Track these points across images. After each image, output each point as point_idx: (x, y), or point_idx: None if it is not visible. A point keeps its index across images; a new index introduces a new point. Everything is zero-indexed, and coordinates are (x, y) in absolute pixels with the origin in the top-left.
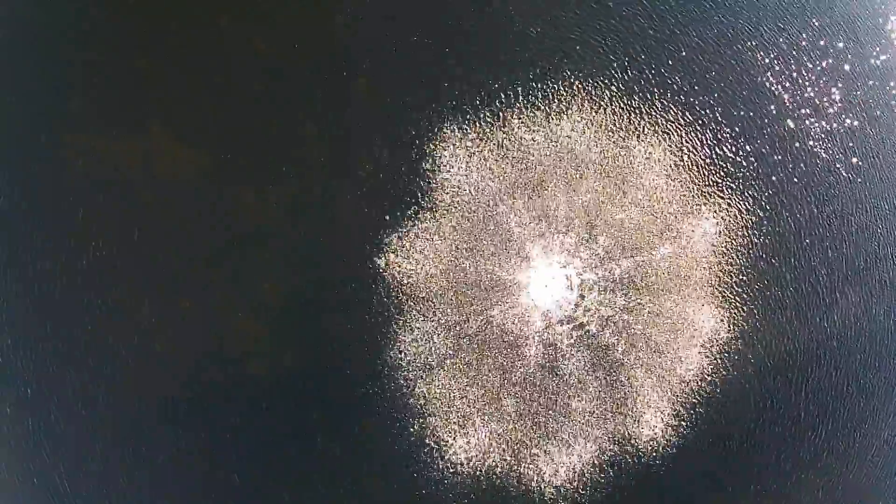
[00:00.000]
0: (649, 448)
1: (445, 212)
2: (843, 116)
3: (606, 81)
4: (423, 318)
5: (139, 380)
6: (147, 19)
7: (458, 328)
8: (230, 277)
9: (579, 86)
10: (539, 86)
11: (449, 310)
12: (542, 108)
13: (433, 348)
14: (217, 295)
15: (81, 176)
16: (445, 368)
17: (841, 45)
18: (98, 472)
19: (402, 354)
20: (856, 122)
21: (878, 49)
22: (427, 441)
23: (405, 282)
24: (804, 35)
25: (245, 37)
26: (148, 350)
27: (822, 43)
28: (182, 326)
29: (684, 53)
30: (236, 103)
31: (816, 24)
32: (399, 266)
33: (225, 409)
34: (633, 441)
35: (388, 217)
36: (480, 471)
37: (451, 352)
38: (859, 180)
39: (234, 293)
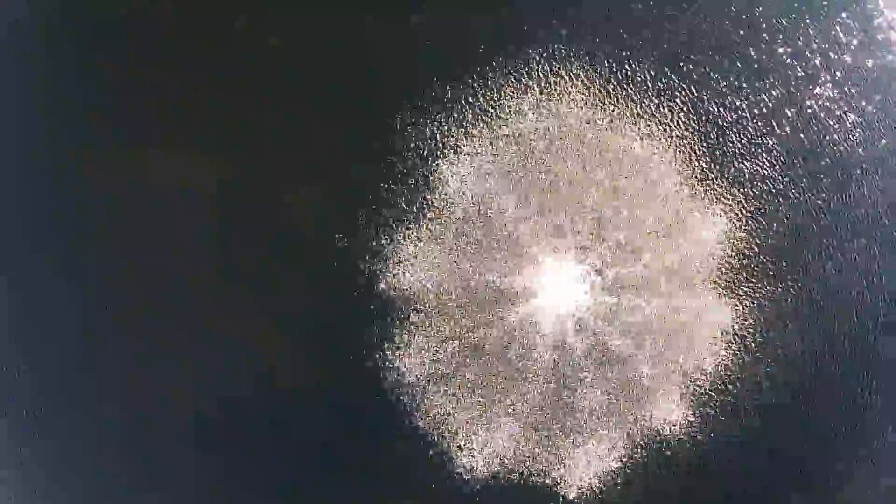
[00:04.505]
0: (672, 448)
1: (446, 218)
2: (867, 105)
3: (609, 70)
4: (428, 330)
5: (163, 397)
6: (163, 29)
7: (465, 338)
8: (226, 295)
9: (580, 76)
10: (537, 77)
11: (455, 319)
12: (542, 101)
13: (441, 360)
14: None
15: (105, 191)
16: (455, 380)
17: (865, 35)
18: (124, 492)
19: (409, 368)
20: (879, 112)
21: None
22: (440, 454)
23: (407, 292)
24: (829, 23)
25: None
26: (170, 367)
27: (846, 33)
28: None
29: (694, 41)
30: (256, 115)
31: (842, 13)
32: (400, 276)
33: (237, 429)
34: (653, 442)
35: (387, 227)
36: (496, 481)
37: (460, 363)
38: (878, 171)
39: (226, 312)
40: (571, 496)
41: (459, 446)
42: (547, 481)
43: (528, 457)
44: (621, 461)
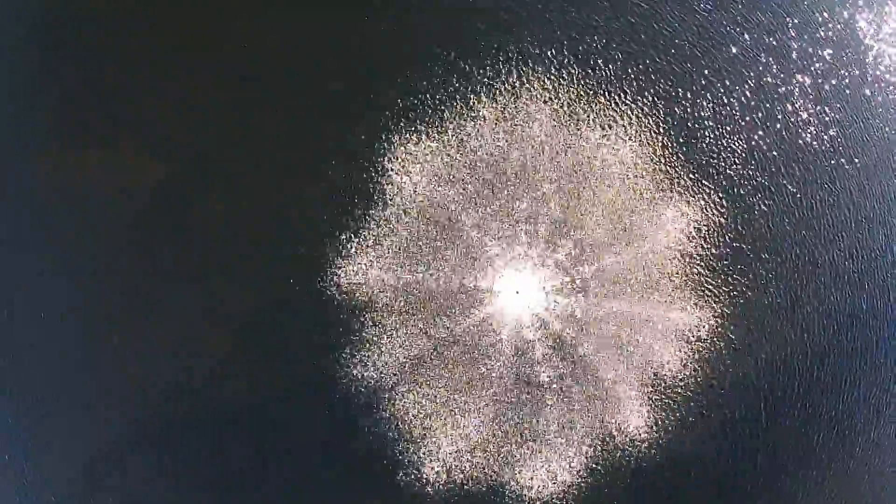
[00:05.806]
0: (631, 450)
1: (404, 221)
2: (819, 106)
3: (566, 75)
4: (387, 333)
5: (109, 402)
6: (112, 33)
7: (425, 342)
8: (192, 296)
9: (537, 82)
10: (494, 84)
11: (416, 323)
12: (499, 106)
13: (400, 363)
14: (178, 315)
15: (50, 192)
16: (416, 382)
17: (816, 34)
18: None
19: (370, 371)
20: (833, 113)
21: (847, 40)
22: (401, 456)
23: (367, 297)
24: (780, 24)
25: (211, 50)
26: (118, 372)
27: (794, 34)
28: (148, 347)
29: (655, 47)
30: (201, 119)
31: (792, 15)
32: (360, 281)
33: (193, 434)
34: (614, 444)
35: (346, 231)
36: (457, 484)
37: (420, 365)
38: (833, 171)
39: (192, 313)
40: (536, 497)
41: (422, 446)
42: (511, 482)
43: (492, 457)
44: (585, 462)
